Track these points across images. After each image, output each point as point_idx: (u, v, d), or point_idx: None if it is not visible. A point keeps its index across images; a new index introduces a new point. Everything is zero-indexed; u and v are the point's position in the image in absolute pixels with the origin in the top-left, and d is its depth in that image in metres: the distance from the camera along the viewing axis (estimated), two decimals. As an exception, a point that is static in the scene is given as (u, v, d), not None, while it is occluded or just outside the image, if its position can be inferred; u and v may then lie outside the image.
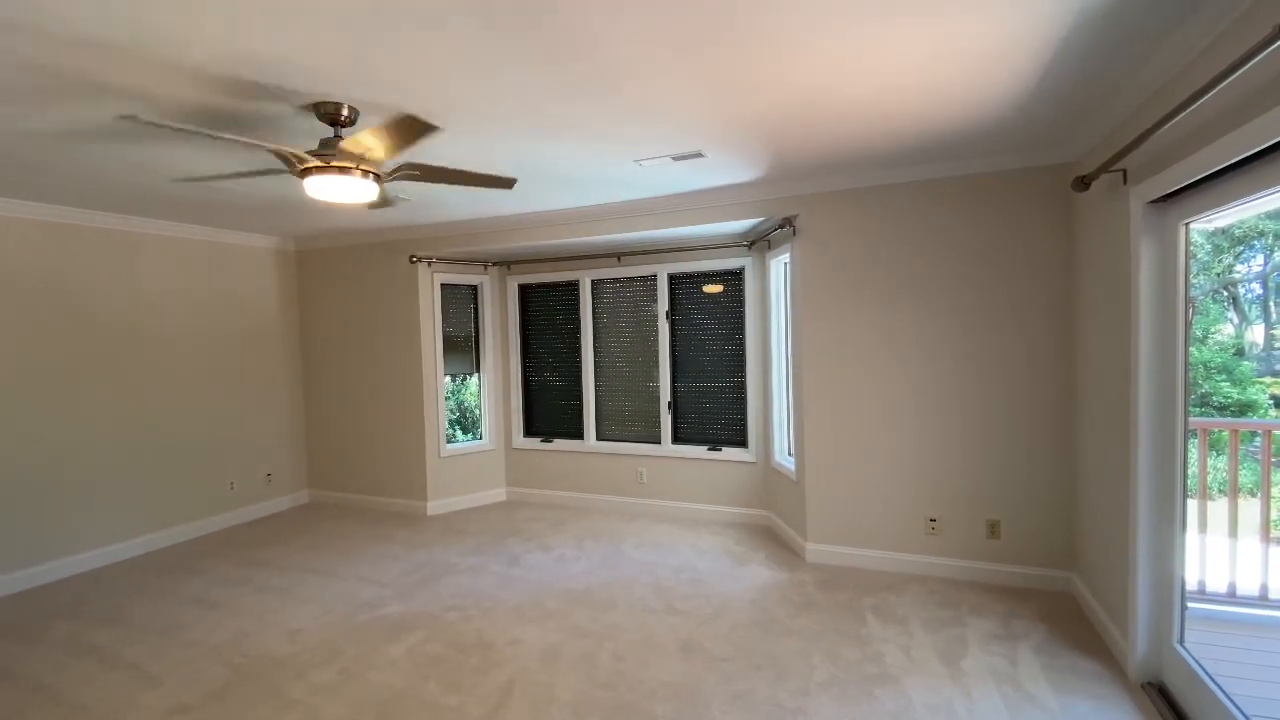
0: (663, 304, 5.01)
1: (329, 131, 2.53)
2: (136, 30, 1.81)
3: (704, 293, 4.91)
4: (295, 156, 2.33)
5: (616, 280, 5.21)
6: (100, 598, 3.71)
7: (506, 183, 2.75)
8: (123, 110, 2.38)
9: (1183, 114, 1.89)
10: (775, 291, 4.53)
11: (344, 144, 2.27)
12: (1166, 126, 2.00)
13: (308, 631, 3.21)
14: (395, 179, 2.61)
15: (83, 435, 4.17)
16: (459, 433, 5.73)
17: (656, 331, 5.07)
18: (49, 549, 3.99)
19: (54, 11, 1.70)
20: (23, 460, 3.88)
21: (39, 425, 3.96)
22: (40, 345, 3.97)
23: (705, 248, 4.75)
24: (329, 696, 2.63)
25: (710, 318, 4.90)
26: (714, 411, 4.94)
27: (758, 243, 4.57)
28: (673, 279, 4.99)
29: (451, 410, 5.69)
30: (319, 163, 2.34)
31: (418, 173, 2.57)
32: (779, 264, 4.47)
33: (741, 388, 4.79)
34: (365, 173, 2.42)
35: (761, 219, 4.09)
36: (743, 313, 4.74)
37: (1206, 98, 1.77)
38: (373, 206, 3.03)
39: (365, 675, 2.78)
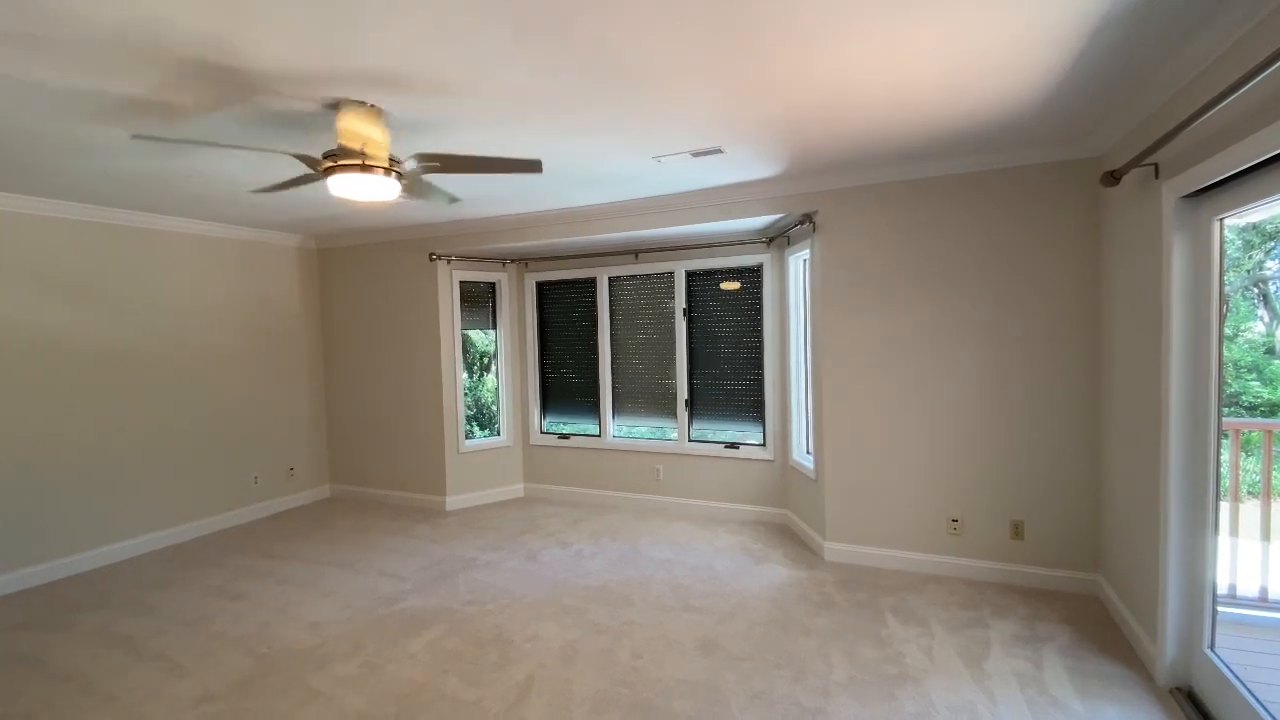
0: (680, 301, 4.99)
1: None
2: (169, 32, 1.84)
3: (722, 290, 4.89)
4: (311, 160, 2.35)
5: (634, 277, 5.21)
6: (128, 589, 3.79)
7: (532, 165, 2.63)
8: (156, 116, 2.41)
9: (1219, 106, 1.84)
10: (794, 288, 4.49)
11: (340, 139, 2.28)
12: (1202, 119, 1.95)
13: (329, 624, 3.25)
14: (417, 172, 2.62)
15: (110, 430, 4.26)
16: (476, 429, 5.77)
17: (674, 329, 5.05)
18: (78, 541, 4.09)
19: (88, 19, 1.73)
20: (52, 454, 3.97)
21: (69, 420, 4.05)
22: (69, 341, 4.06)
23: (723, 245, 4.72)
24: (351, 689, 2.66)
25: (728, 315, 4.88)
26: (731, 409, 4.92)
27: (776, 239, 4.54)
28: (690, 276, 4.97)
29: (469, 407, 5.72)
30: (330, 162, 2.36)
31: (438, 164, 2.56)
32: (798, 261, 4.43)
33: (759, 385, 4.76)
34: (388, 170, 2.43)
35: (780, 215, 4.06)
36: (761, 310, 4.71)
37: (1244, 90, 1.72)
38: (417, 196, 2.99)
39: (386, 668, 2.81)
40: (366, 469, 5.65)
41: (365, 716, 2.47)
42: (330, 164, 2.37)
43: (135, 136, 1.98)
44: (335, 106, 2.39)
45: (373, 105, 2.29)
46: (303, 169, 3.01)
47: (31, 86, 2.16)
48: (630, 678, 2.69)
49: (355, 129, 2.24)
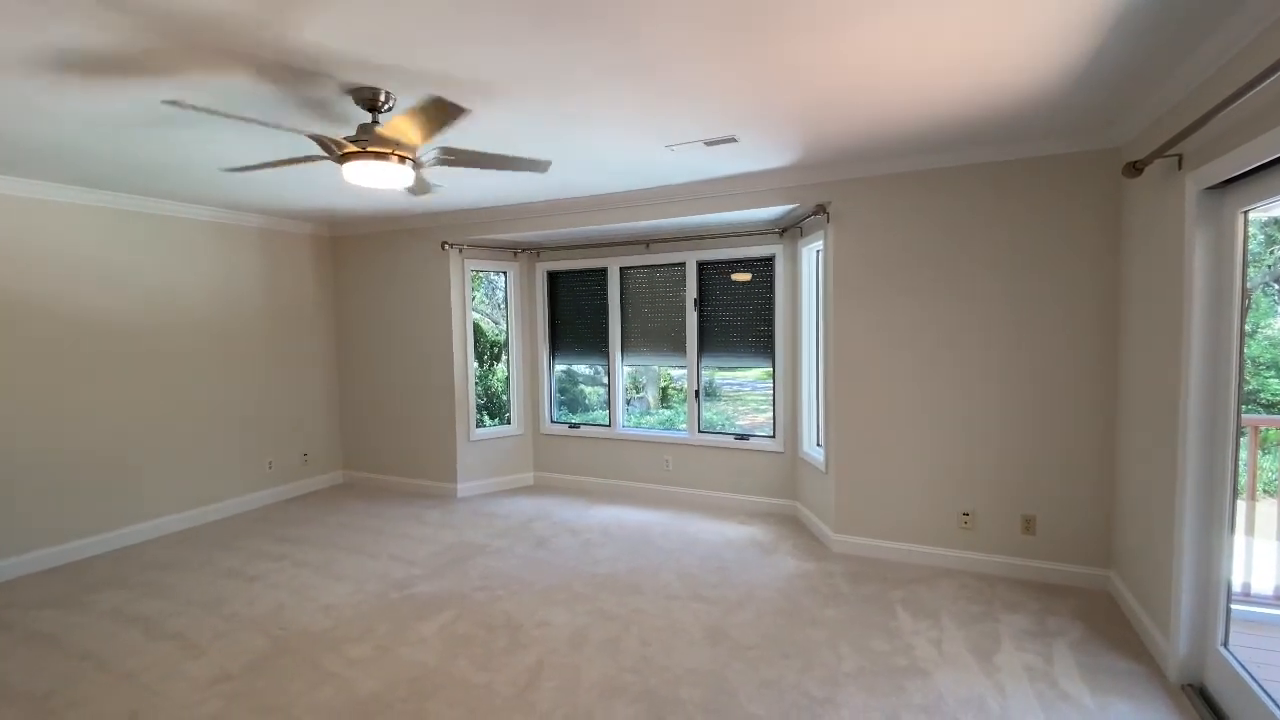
0: (691, 292, 4.98)
1: (367, 117, 2.56)
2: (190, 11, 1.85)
3: (733, 281, 4.87)
4: (334, 143, 2.35)
5: (645, 267, 5.20)
6: (145, 570, 3.85)
7: (541, 166, 2.74)
8: (171, 94, 2.42)
9: (1246, 96, 1.80)
10: (806, 280, 4.47)
11: (380, 129, 2.29)
12: (1228, 109, 1.91)
13: (342, 607, 3.29)
14: (432, 164, 2.63)
15: (128, 414, 4.31)
16: (487, 418, 5.80)
17: (684, 319, 5.04)
18: (96, 522, 4.16)
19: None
20: (70, 436, 4.03)
21: (86, 403, 4.10)
22: (87, 324, 4.11)
23: (735, 235, 4.70)
24: (363, 670, 2.70)
25: (739, 306, 4.86)
26: (741, 400, 4.91)
27: (789, 230, 4.51)
28: (702, 266, 4.95)
29: (479, 396, 5.75)
30: (356, 148, 2.36)
31: (453, 158, 2.59)
32: (811, 252, 4.40)
33: (769, 376, 4.75)
34: (402, 158, 2.44)
35: (794, 205, 4.03)
36: (772, 301, 4.69)
37: (1272, 79, 1.69)
38: (413, 192, 3.05)
39: (398, 651, 2.85)
40: (379, 455, 5.70)
41: (378, 697, 2.50)
42: (355, 149, 2.37)
43: (166, 102, 2.01)
44: (354, 92, 2.39)
45: (463, 107, 2.23)
46: (313, 149, 3.01)
47: (52, 52, 2.16)
48: (639, 665, 2.71)
49: (403, 125, 2.23)
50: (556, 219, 4.71)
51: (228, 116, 2.12)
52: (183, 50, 2.06)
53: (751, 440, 4.82)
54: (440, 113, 2.18)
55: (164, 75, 2.25)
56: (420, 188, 3.02)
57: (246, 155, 3.28)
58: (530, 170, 2.76)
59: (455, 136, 2.96)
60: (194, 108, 2.02)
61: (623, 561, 3.84)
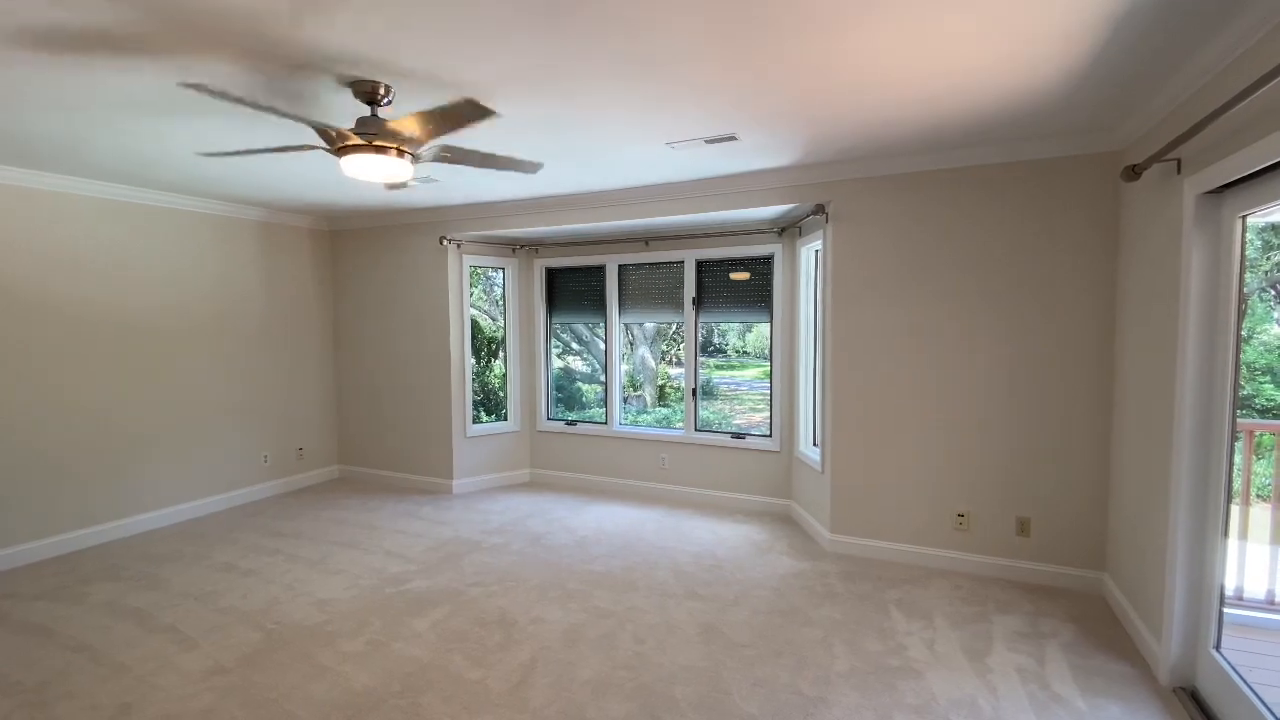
0: (689, 290, 4.98)
1: (364, 109, 2.55)
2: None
3: (731, 280, 4.87)
4: (339, 134, 2.35)
5: (643, 265, 5.19)
6: (140, 562, 3.84)
7: (530, 167, 2.77)
8: (172, 79, 2.39)
9: (1246, 100, 1.81)
10: (805, 279, 4.47)
11: (391, 124, 2.28)
12: (1228, 114, 1.91)
13: (336, 602, 3.29)
14: (428, 160, 2.63)
15: (125, 407, 4.30)
16: (483, 414, 5.79)
17: (682, 317, 5.04)
18: (91, 514, 4.15)
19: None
20: (67, 428, 4.02)
21: (84, 394, 4.09)
22: (86, 316, 4.09)
23: (734, 234, 4.70)
24: (357, 665, 2.70)
25: (737, 305, 4.86)
26: (738, 399, 4.91)
27: (788, 229, 4.51)
28: (700, 265, 4.95)
29: (476, 392, 5.73)
30: (360, 141, 2.36)
31: (449, 154, 2.59)
32: (810, 251, 4.40)
33: (767, 376, 4.75)
34: (401, 153, 2.43)
35: (793, 205, 4.03)
36: (770, 300, 4.69)
37: (1272, 84, 1.69)
38: (390, 186, 3.06)
39: (392, 646, 2.85)
40: (374, 450, 5.69)
41: (371, 692, 2.50)
42: (360, 142, 2.36)
43: (181, 84, 1.99)
44: (353, 85, 2.38)
45: (492, 110, 2.21)
46: (311, 140, 2.99)
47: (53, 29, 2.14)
48: (632, 662, 2.71)
49: (415, 122, 2.23)
50: (556, 215, 4.71)
51: (249, 105, 2.08)
52: (181, 36, 2.04)
53: (748, 439, 4.82)
54: (468, 114, 2.18)
55: (160, 59, 2.23)
56: (401, 183, 3.02)
57: (241, 144, 3.26)
58: (520, 170, 2.79)
59: (454, 134, 2.95)
60: (215, 93, 1.99)
61: (618, 559, 3.85)
